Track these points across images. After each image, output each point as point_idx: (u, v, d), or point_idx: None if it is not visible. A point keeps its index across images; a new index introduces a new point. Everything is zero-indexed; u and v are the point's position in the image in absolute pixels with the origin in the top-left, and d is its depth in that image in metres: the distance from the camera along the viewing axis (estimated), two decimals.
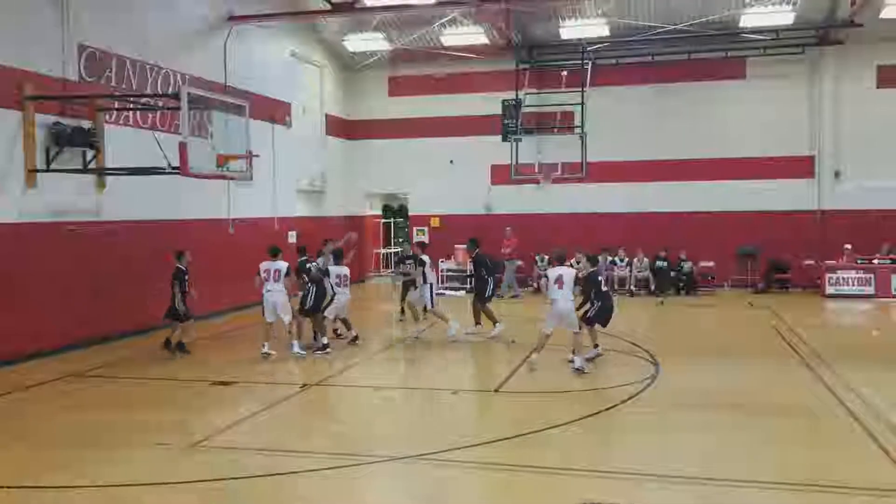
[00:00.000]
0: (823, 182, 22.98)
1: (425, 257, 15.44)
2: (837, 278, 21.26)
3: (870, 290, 20.89)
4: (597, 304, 12.58)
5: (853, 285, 21.08)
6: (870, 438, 8.48)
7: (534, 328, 13.10)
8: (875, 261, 21.16)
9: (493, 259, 16.88)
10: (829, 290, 21.16)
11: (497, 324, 15.14)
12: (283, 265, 13.39)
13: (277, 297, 13.23)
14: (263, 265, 13.38)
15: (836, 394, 10.47)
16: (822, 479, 7.28)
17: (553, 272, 12.11)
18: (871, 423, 9.03)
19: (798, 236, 22.42)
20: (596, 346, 12.77)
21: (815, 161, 23.05)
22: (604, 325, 12.80)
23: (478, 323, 15.62)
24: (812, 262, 22.15)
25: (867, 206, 22.04)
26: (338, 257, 14.25)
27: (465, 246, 23.75)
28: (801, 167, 23.09)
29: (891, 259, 21.16)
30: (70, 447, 8.55)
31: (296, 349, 13.36)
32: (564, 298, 11.88)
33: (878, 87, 22.47)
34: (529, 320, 15.40)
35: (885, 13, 20.22)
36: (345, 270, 14.05)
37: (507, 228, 23.02)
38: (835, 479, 7.28)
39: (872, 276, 20.98)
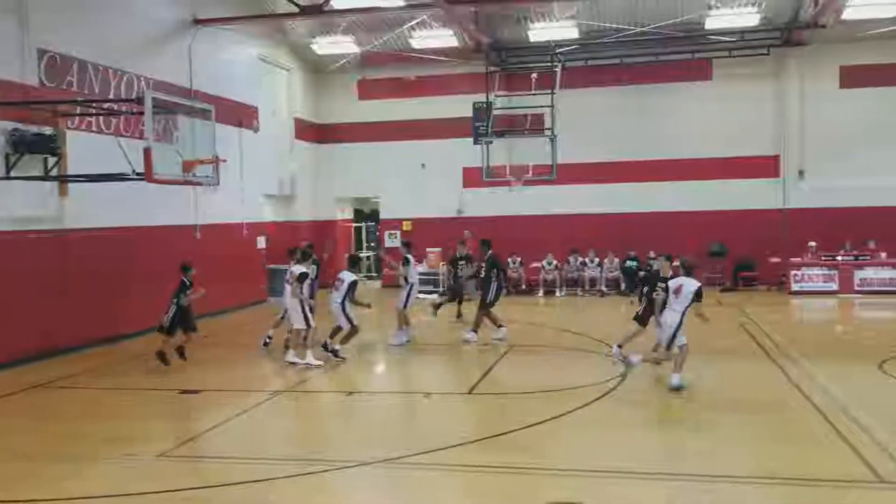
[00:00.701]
0: (788, 181, 23.27)
1: (409, 257, 15.35)
2: (802, 275, 21.54)
3: (833, 286, 21.19)
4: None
5: (817, 282, 21.37)
6: (835, 432, 8.58)
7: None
8: (838, 258, 21.46)
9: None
10: (795, 287, 21.43)
11: (501, 327, 14.79)
12: (296, 269, 13.16)
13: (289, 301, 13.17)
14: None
15: (802, 389, 10.59)
16: (790, 473, 7.35)
17: (674, 282, 11.14)
18: (837, 417, 9.14)
19: (764, 235, 22.67)
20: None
21: (780, 161, 23.36)
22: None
23: (500, 326, 14.89)
24: (777, 259, 22.41)
25: (831, 204, 22.35)
26: (307, 258, 13.97)
27: (438, 249, 24.03)
28: (767, 167, 23.37)
29: (853, 256, 21.46)
30: (37, 459, 8.39)
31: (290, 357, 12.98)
32: (673, 310, 10.94)
33: (840, 88, 22.81)
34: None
35: (848, 15, 20.53)
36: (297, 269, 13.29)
37: (466, 232, 22.93)
38: (802, 472, 7.37)
39: (836, 272, 21.27)
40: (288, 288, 13.27)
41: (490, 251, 15.50)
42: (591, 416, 9.67)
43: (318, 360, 12.79)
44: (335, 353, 13.18)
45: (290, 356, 12.96)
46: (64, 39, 14.56)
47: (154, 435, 9.17)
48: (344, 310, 13.33)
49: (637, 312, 12.56)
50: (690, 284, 10.87)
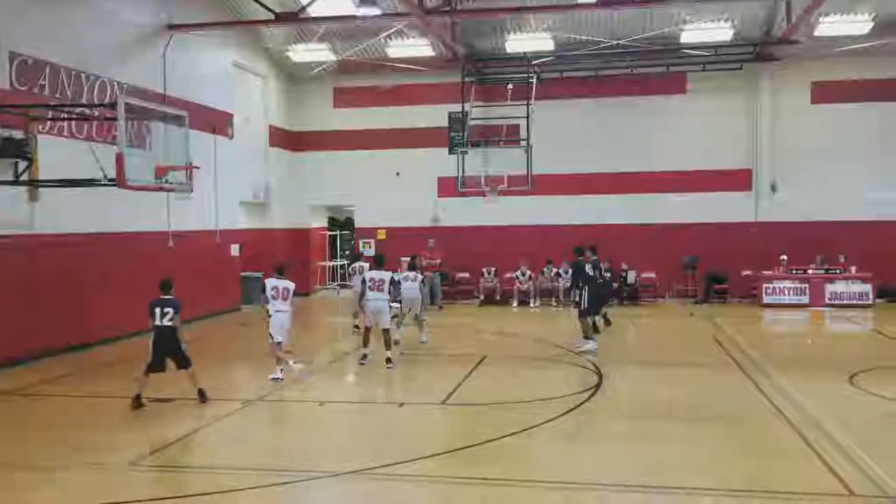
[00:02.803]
0: (760, 195, 23.53)
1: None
2: (773, 288, 21.76)
3: (804, 299, 21.44)
4: None
5: (789, 295, 21.60)
6: (805, 445, 8.64)
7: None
8: (809, 271, 21.72)
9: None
10: (766, 299, 21.65)
11: (591, 340, 14.57)
12: (290, 284, 12.60)
13: (285, 317, 12.48)
14: (270, 282, 12.51)
15: (774, 402, 10.66)
16: (760, 486, 7.38)
17: None
18: (808, 430, 9.21)
19: (736, 248, 22.89)
20: None
21: (753, 174, 23.62)
22: None
23: (597, 331, 15.30)
24: (749, 272, 22.63)
25: (802, 218, 22.63)
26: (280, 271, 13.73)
27: (409, 258, 23.96)
28: (739, 180, 23.63)
29: (824, 269, 21.73)
30: (5, 468, 8.22)
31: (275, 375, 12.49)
32: None
33: (812, 103, 23.15)
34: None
35: (820, 31, 20.85)
36: (285, 284, 12.64)
37: (430, 241, 22.99)
38: (774, 485, 7.40)
39: (807, 285, 21.52)
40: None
41: (580, 258, 15.24)
42: (564, 427, 9.67)
43: (298, 364, 12.80)
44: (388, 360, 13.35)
45: (278, 373, 12.43)
46: (36, 43, 14.38)
47: (125, 444, 9.01)
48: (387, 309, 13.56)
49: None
50: None
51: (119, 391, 11.77)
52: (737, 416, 10.18)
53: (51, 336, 14.40)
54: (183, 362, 10.96)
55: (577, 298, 15.03)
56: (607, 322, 17.11)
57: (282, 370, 12.43)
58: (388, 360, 13.32)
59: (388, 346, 13.49)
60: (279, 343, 12.43)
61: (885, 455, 8.07)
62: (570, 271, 15.11)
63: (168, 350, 10.82)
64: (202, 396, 10.91)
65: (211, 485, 7.57)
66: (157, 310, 10.81)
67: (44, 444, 9.17)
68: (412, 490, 7.60)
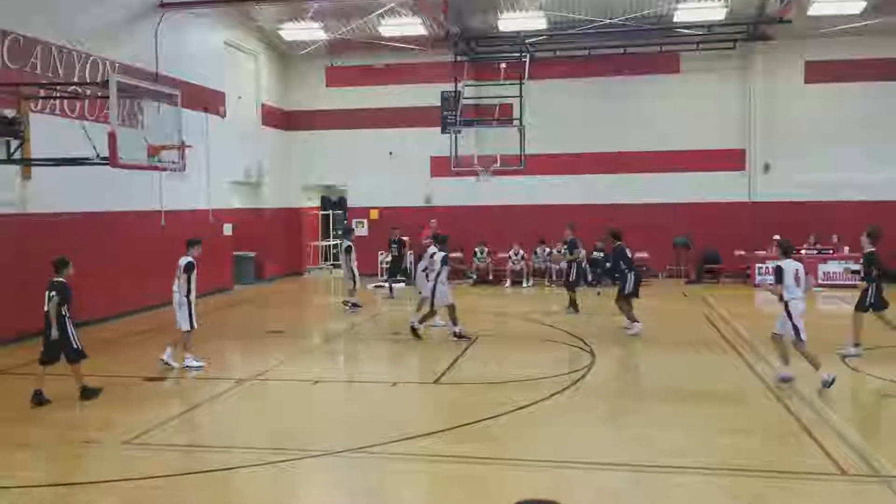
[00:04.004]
0: (754, 174, 23.56)
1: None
2: (766, 268, 21.79)
3: None
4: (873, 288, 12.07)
5: (765, 275, 21.64)
6: (799, 425, 8.71)
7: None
8: (802, 251, 21.76)
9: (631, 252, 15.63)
10: (759, 279, 21.72)
11: (636, 322, 14.43)
12: (182, 260, 11.80)
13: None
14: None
15: (766, 381, 10.74)
16: (755, 465, 7.44)
17: (790, 265, 10.44)
18: (800, 410, 9.28)
19: (729, 227, 22.95)
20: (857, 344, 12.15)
21: (746, 154, 23.64)
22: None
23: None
24: (742, 252, 22.69)
25: (795, 198, 22.68)
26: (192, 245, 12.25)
27: (405, 238, 23.92)
28: (733, 160, 23.66)
29: (817, 249, 21.80)
30: None
31: None
32: (803, 298, 10.38)
33: (805, 83, 23.14)
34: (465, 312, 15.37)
35: (813, 10, 20.80)
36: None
37: (433, 221, 22.65)
38: (766, 464, 7.46)
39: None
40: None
41: (619, 242, 15.14)
42: (556, 406, 9.71)
43: (198, 361, 11.82)
44: (458, 334, 13.65)
45: (168, 356, 11.79)
46: (27, 21, 14.26)
47: (118, 422, 9.03)
48: (435, 288, 13.79)
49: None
50: None
51: (113, 370, 11.81)
52: (729, 396, 10.26)
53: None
54: (68, 355, 9.75)
55: (623, 283, 14.72)
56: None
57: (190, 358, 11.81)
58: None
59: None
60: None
61: (877, 435, 8.15)
62: (602, 255, 15.11)
63: (54, 340, 9.66)
64: (84, 394, 9.86)
65: (205, 463, 7.61)
66: (46, 293, 9.73)
67: (36, 423, 9.18)
68: (405, 468, 7.65)
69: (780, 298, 10.30)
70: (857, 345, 12.12)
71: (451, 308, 13.93)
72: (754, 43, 23.04)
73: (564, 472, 7.40)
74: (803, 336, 10.19)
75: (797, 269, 10.37)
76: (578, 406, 9.81)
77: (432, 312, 14.09)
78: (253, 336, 15.01)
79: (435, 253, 14.23)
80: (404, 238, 21.23)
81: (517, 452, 7.95)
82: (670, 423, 8.97)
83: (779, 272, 10.38)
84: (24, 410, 9.65)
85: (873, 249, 12.19)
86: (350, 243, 17.87)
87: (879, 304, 12.19)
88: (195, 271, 11.71)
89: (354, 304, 17.55)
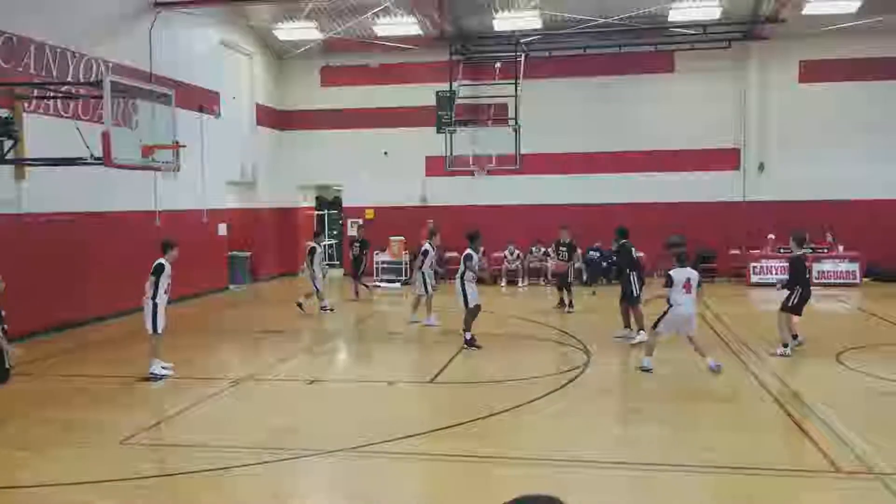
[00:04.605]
0: (749, 174, 23.60)
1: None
2: (761, 267, 21.88)
3: None
4: (798, 292, 12.37)
5: (776, 274, 21.67)
6: (792, 422, 8.74)
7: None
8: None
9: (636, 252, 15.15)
10: (754, 278, 21.77)
11: (641, 331, 13.37)
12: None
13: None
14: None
15: (761, 379, 10.76)
16: (750, 463, 7.45)
17: (680, 274, 11.11)
18: (795, 408, 9.31)
19: (724, 227, 22.98)
20: (795, 336, 12.55)
21: (741, 153, 23.67)
22: (800, 314, 12.53)
23: (626, 326, 13.95)
24: (737, 251, 22.73)
25: (790, 197, 22.72)
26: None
27: (401, 238, 23.97)
28: (728, 159, 23.68)
29: (811, 248, 21.83)
30: None
31: None
32: (691, 303, 11.21)
33: (800, 82, 23.17)
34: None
35: (808, 10, 20.83)
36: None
37: (430, 221, 22.71)
38: (762, 462, 7.47)
39: None
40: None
41: (625, 240, 14.46)
42: (551, 405, 9.72)
43: (165, 369, 11.40)
44: (471, 342, 13.09)
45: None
46: (21, 20, 14.21)
47: (115, 422, 9.02)
48: (463, 288, 13.29)
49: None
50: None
51: (108, 370, 11.80)
52: (724, 394, 10.27)
53: (38, 315, 14.31)
54: None
55: (630, 286, 13.87)
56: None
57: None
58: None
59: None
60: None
61: (871, 432, 8.16)
62: (599, 254, 14.64)
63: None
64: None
65: (201, 463, 7.59)
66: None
67: (35, 422, 9.16)
68: (402, 467, 7.65)
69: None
70: (785, 345, 12.26)
71: (476, 310, 13.42)
72: (749, 42, 23.08)
73: (561, 470, 7.41)
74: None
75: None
76: (574, 405, 9.82)
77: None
78: (248, 336, 14.99)
79: (428, 251, 14.26)
80: (367, 239, 21.14)
81: (513, 451, 7.94)
82: (665, 423, 8.98)
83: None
84: (22, 411, 9.63)
85: (800, 253, 12.59)
86: (314, 245, 17.74)
87: (799, 309, 12.40)
88: (164, 274, 11.29)
89: (323, 307, 17.42)
